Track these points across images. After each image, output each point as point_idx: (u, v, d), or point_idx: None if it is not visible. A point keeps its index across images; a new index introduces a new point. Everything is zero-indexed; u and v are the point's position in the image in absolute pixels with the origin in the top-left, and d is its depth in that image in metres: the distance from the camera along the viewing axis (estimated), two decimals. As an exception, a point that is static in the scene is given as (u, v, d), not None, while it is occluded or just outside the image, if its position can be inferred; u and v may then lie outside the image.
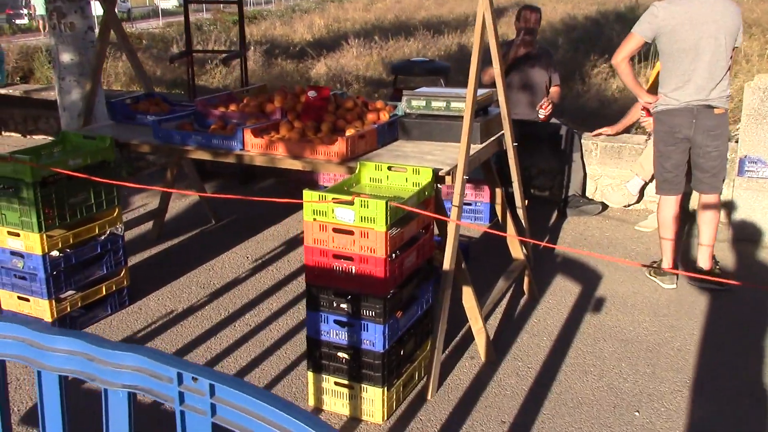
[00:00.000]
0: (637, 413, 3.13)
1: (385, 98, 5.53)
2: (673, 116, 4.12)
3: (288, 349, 3.64)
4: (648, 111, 5.34)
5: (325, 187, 5.18)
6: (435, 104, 3.78)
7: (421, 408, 3.17)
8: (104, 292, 3.92)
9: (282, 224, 5.37)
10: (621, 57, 4.15)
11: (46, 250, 3.57)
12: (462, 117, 3.67)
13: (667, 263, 4.34)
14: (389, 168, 3.27)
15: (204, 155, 3.74)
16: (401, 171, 3.25)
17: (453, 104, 3.75)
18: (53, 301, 3.65)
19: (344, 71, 11.60)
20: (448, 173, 3.26)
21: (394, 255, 2.89)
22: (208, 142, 3.69)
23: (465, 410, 3.15)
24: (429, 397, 3.24)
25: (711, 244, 4.29)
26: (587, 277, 4.49)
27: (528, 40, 5.67)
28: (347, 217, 2.85)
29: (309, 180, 5.79)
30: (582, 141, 5.68)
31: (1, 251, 3.67)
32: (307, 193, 2.90)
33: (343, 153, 3.41)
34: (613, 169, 5.68)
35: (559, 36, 14.03)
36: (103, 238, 3.88)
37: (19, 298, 3.72)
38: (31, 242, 3.56)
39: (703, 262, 4.32)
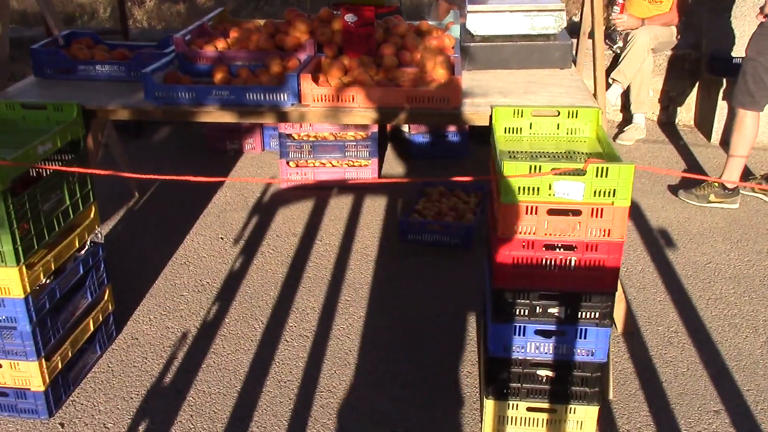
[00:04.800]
0: (834, 369, 2.72)
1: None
2: None
3: (389, 365, 2.77)
4: (624, 6, 4.83)
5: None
6: (516, 23, 2.95)
7: (618, 416, 2.49)
8: (92, 328, 2.73)
9: (223, 188, 4.22)
10: None
11: (28, 290, 2.32)
12: (547, 36, 2.97)
13: (736, 181, 3.92)
14: (532, 113, 2.45)
15: (228, 117, 2.61)
16: (551, 115, 2.44)
17: (537, 22, 2.95)
18: (43, 360, 2.43)
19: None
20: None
21: (620, 234, 2.13)
22: (239, 99, 2.57)
23: (664, 405, 2.53)
24: (611, 397, 2.57)
25: None
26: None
27: None
28: (574, 193, 2.02)
29: (219, 130, 4.70)
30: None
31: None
32: (509, 165, 2.01)
33: (457, 97, 2.51)
34: (576, 80, 5.16)
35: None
36: (83, 252, 2.65)
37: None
38: (5, 281, 2.29)
39: None
